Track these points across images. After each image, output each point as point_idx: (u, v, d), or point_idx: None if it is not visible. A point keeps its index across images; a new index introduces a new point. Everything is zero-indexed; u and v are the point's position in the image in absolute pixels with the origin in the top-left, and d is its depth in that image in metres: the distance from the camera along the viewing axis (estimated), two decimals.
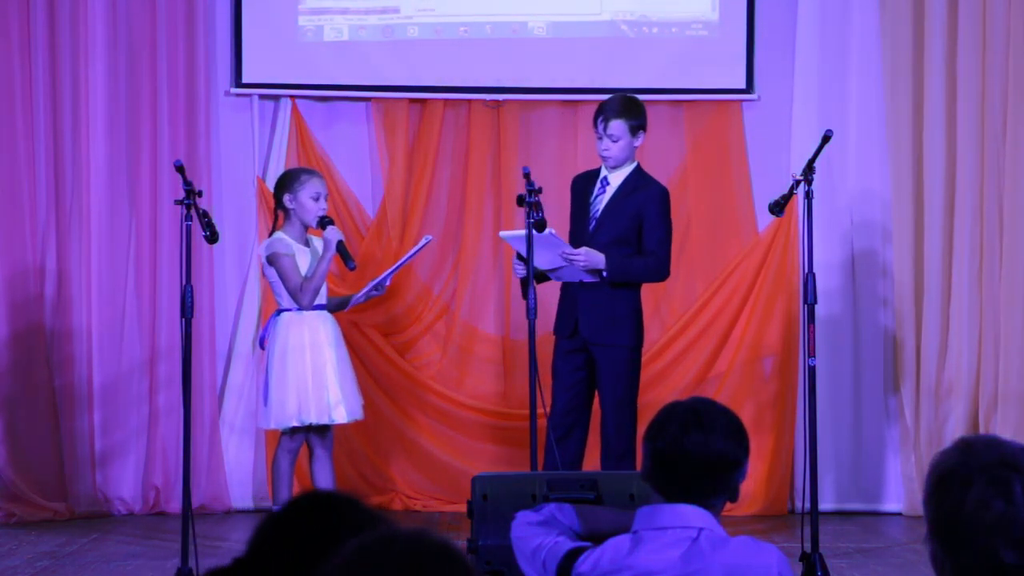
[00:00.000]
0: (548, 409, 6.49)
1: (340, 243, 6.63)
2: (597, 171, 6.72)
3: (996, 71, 7.61)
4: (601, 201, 6.63)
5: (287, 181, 6.78)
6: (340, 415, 6.64)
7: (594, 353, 6.60)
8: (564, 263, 6.45)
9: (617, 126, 6.57)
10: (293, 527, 2.29)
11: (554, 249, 6.38)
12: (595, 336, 6.57)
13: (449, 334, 7.85)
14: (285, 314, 6.66)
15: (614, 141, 6.57)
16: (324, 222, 6.64)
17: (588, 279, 6.52)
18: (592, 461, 6.92)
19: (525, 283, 6.21)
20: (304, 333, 6.65)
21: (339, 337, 6.76)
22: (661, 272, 6.66)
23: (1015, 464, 2.34)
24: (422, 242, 6.72)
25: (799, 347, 7.39)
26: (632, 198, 6.60)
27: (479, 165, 7.85)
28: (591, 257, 6.44)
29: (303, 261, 6.67)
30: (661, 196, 6.65)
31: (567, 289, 6.64)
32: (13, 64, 7.49)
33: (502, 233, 6.60)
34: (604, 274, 6.49)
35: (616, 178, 6.64)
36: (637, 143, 6.66)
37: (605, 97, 7.79)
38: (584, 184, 6.73)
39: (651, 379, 7.70)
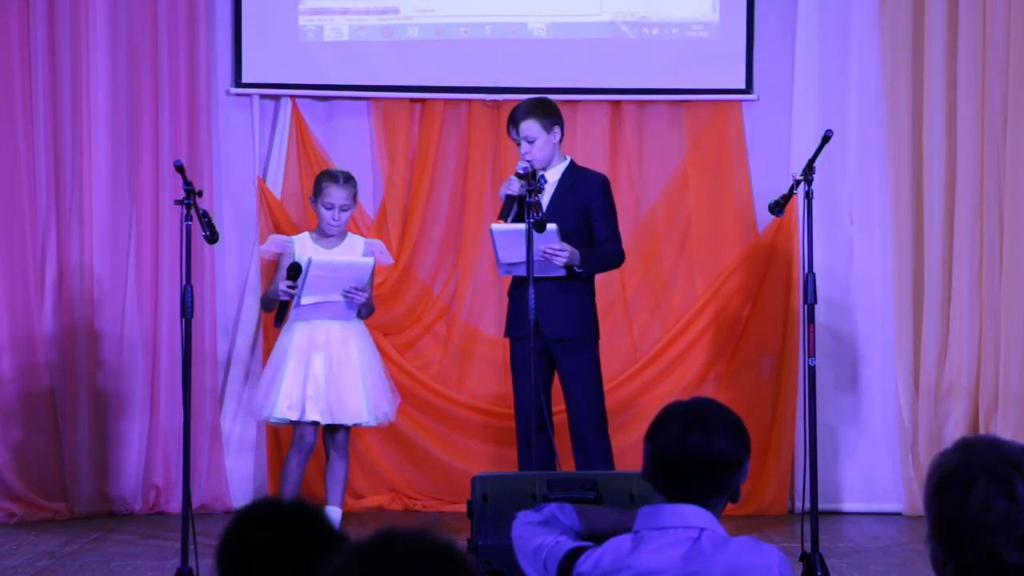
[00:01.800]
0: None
1: (269, 295, 6.69)
2: None
3: (996, 71, 7.62)
4: (544, 198, 6.56)
5: (314, 184, 6.89)
6: (313, 413, 6.63)
7: (557, 351, 6.55)
8: (539, 258, 6.30)
9: (529, 126, 6.54)
10: (240, 545, 2.32)
11: (539, 244, 6.31)
12: (558, 332, 6.52)
13: (449, 334, 7.85)
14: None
15: (531, 142, 6.53)
16: (293, 270, 6.58)
17: (555, 274, 6.46)
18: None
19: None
20: (294, 335, 6.69)
21: (348, 341, 6.71)
22: (621, 257, 6.70)
23: (1017, 464, 2.34)
24: (306, 266, 6.59)
25: (799, 347, 7.39)
26: (575, 191, 6.59)
27: (479, 165, 7.85)
28: (573, 254, 6.41)
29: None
30: (604, 184, 6.68)
31: (520, 286, 6.52)
32: (13, 64, 7.49)
33: (494, 226, 6.41)
34: (578, 269, 6.46)
35: (552, 175, 6.60)
36: (555, 139, 6.62)
37: (605, 98, 7.84)
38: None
39: (651, 379, 7.71)
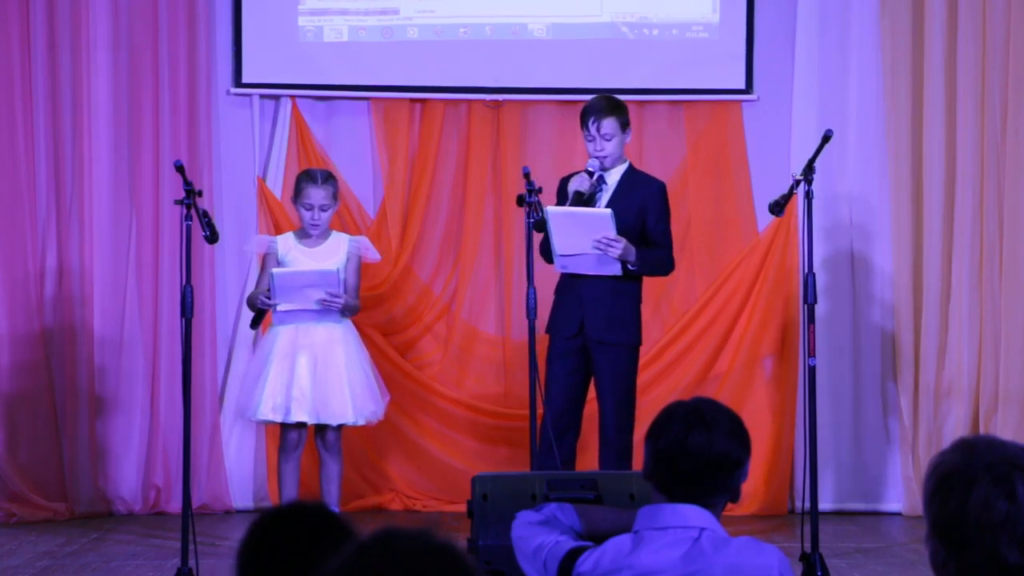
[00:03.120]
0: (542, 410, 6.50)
1: (251, 298, 6.81)
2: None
3: (996, 71, 7.62)
4: (602, 199, 6.61)
5: (294, 185, 6.91)
6: (299, 414, 6.69)
7: (595, 352, 6.57)
8: (592, 250, 6.38)
9: (610, 124, 6.57)
10: (263, 548, 2.32)
11: (594, 232, 6.34)
12: (601, 334, 6.54)
13: (449, 334, 7.85)
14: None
15: (608, 140, 6.56)
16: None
17: (605, 272, 6.47)
18: (584, 461, 6.91)
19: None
20: (278, 335, 6.76)
21: (333, 341, 6.74)
22: (671, 264, 6.72)
23: (1017, 464, 2.34)
24: (271, 279, 6.62)
25: (799, 347, 7.39)
26: (634, 193, 6.60)
27: (479, 165, 7.85)
28: (628, 248, 6.42)
29: (304, 264, 6.76)
30: (662, 191, 6.70)
31: (569, 287, 6.59)
32: (13, 64, 7.49)
33: (549, 208, 6.35)
34: (631, 266, 6.47)
35: (612, 176, 6.63)
36: (627, 140, 6.68)
37: None
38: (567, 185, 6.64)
39: (651, 379, 7.71)
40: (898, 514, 7.70)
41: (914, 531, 7.22)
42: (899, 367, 7.70)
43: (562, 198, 6.57)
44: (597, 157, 6.56)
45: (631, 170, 6.70)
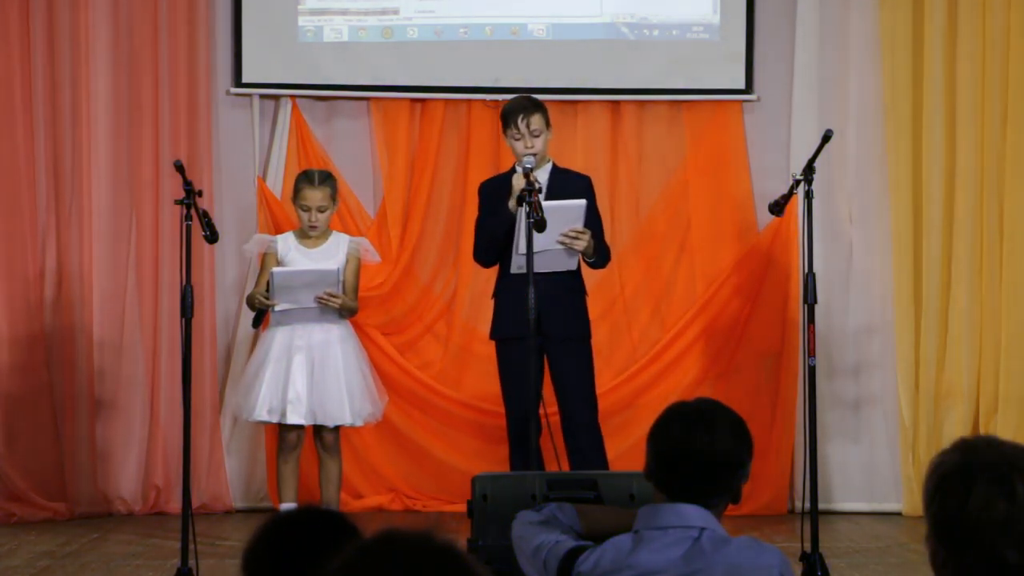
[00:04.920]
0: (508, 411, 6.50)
1: (250, 298, 6.84)
2: (508, 174, 6.60)
3: (996, 72, 7.62)
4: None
5: (293, 185, 6.93)
6: (295, 416, 6.71)
7: (555, 351, 6.51)
8: (556, 245, 6.33)
9: (538, 120, 6.51)
10: (273, 548, 2.31)
11: (564, 225, 6.28)
12: (562, 332, 6.51)
13: (449, 334, 7.85)
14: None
15: (536, 136, 6.50)
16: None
17: (562, 268, 6.41)
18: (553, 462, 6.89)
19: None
20: (276, 336, 6.78)
21: (330, 343, 6.75)
22: (610, 255, 6.68)
23: (1017, 464, 2.34)
24: (271, 278, 6.63)
25: (799, 347, 7.40)
26: (567, 189, 6.55)
27: (479, 165, 7.85)
28: (590, 242, 6.37)
29: (304, 264, 6.77)
30: (591, 184, 6.68)
31: (518, 287, 6.36)
32: (13, 64, 7.49)
33: (546, 203, 6.28)
34: (588, 259, 6.45)
35: (542, 175, 6.57)
36: (550, 137, 6.62)
37: (605, 98, 7.84)
38: (499, 188, 6.54)
39: (651, 379, 7.71)
40: (898, 514, 7.70)
41: (914, 531, 7.22)
42: (899, 367, 7.71)
43: (492, 201, 6.50)
44: (526, 155, 6.45)
45: (556, 168, 6.66)
